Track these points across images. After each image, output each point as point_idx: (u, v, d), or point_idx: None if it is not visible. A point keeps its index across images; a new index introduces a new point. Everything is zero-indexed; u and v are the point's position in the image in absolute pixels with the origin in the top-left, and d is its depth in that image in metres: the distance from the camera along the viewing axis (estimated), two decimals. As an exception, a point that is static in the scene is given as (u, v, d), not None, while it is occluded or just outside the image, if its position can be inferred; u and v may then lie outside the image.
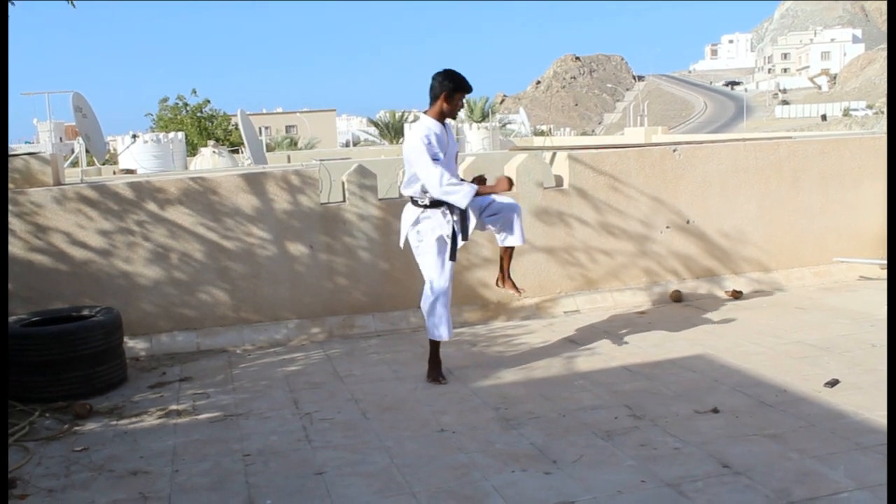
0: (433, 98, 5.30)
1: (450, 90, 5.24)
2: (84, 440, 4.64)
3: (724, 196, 7.76)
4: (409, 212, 5.45)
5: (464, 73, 5.30)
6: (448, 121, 5.44)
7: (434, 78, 5.30)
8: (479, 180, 5.48)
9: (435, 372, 5.50)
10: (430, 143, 5.17)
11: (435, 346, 5.54)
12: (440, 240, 5.34)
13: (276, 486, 3.92)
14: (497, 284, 6.01)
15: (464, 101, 5.47)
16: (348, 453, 4.27)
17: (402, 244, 5.59)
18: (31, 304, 6.12)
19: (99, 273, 6.39)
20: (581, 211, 7.32)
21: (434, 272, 5.37)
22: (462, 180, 5.33)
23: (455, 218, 5.34)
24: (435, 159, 5.15)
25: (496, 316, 7.07)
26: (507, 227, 5.60)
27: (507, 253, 5.85)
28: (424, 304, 5.43)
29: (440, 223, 5.34)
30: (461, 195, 5.19)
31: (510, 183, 5.36)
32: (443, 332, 5.44)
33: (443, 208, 5.31)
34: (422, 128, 5.26)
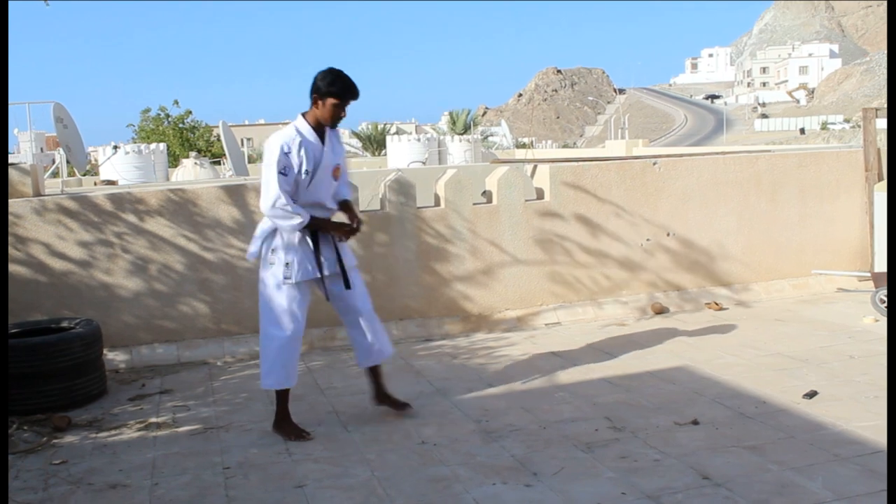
0: (311, 100, 4.62)
1: (321, 94, 4.54)
2: (63, 453, 4.60)
3: (704, 209, 7.82)
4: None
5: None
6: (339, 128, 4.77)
7: (315, 77, 4.59)
8: (345, 206, 4.89)
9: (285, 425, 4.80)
10: (286, 153, 4.48)
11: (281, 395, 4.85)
12: (290, 267, 4.68)
13: (256, 499, 3.90)
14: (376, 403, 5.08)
15: (345, 109, 4.63)
16: (329, 466, 4.26)
17: (251, 259, 4.85)
18: (10, 316, 6.07)
19: (79, 284, 6.35)
20: (562, 224, 7.35)
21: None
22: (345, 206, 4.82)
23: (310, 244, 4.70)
24: (282, 173, 4.47)
25: (477, 328, 7.08)
26: (362, 336, 4.91)
27: (375, 371, 5.04)
28: (264, 351, 4.75)
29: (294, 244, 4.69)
30: (292, 222, 4.55)
31: (350, 232, 4.80)
32: (273, 380, 4.77)
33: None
34: (286, 134, 4.56)
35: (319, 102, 4.56)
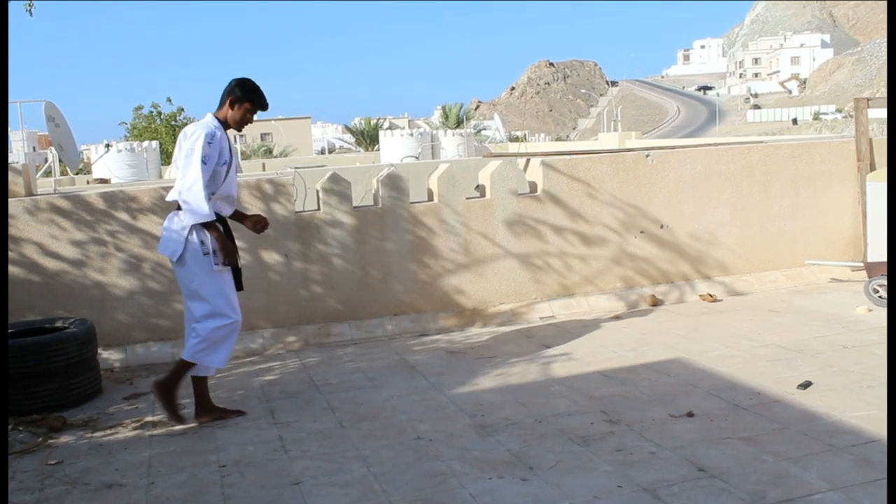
0: (221, 101, 4.90)
1: (238, 98, 4.84)
2: (58, 453, 4.59)
3: (697, 200, 7.83)
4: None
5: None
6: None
7: (230, 82, 4.91)
8: (239, 216, 5.13)
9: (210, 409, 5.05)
10: (209, 143, 4.68)
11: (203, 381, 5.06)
12: (217, 255, 4.85)
13: (252, 496, 3.90)
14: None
15: (254, 116, 4.97)
16: (325, 462, 4.26)
17: (175, 257, 4.84)
18: (2, 317, 6.06)
19: (72, 284, 6.34)
20: (555, 217, 7.35)
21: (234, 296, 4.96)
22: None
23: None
24: (203, 162, 4.64)
25: (472, 322, 7.08)
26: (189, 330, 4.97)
27: (181, 365, 4.99)
28: (214, 334, 4.86)
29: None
30: (203, 210, 4.66)
31: (260, 225, 5.06)
32: (223, 361, 5.02)
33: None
34: (208, 125, 4.78)
35: (236, 105, 4.87)
